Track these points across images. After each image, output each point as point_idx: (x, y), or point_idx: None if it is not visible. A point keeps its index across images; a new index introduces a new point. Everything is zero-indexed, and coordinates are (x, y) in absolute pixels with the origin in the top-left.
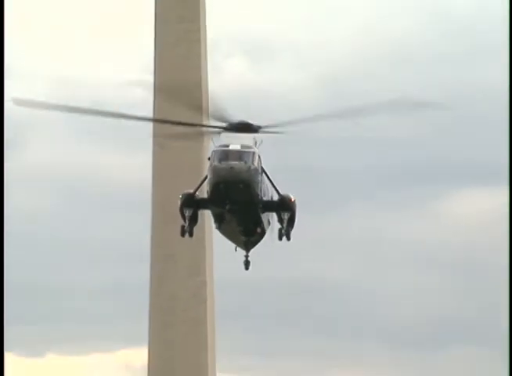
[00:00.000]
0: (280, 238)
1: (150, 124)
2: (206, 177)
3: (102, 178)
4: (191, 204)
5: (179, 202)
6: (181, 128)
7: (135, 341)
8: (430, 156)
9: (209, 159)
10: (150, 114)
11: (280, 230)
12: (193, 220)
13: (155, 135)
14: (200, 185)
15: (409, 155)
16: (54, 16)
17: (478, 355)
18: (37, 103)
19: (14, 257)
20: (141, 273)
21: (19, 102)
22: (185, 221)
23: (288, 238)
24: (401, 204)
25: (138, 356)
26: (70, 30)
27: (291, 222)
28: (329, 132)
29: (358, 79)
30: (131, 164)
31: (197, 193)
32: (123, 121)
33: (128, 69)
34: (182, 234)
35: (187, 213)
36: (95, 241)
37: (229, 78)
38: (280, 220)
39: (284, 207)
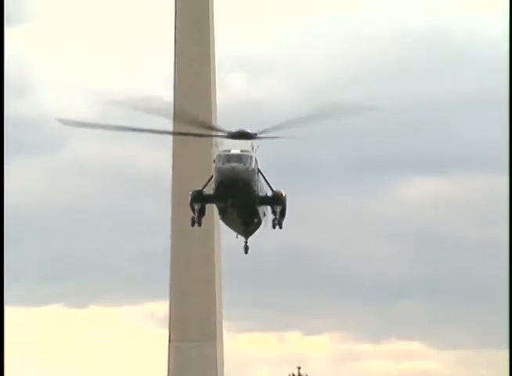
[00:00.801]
0: (274, 227)
1: (171, 126)
2: (212, 176)
3: (134, 168)
4: (199, 199)
5: (189, 198)
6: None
7: (159, 295)
8: (390, 150)
9: (214, 162)
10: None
11: (274, 220)
12: (201, 212)
13: (175, 135)
14: (207, 183)
15: (374, 149)
16: (92, 40)
17: (426, 306)
18: (77, 122)
19: (65, 229)
20: (163, 242)
21: (64, 121)
22: (194, 213)
23: (280, 227)
24: (367, 188)
25: (161, 307)
26: (107, 52)
27: (283, 213)
28: (311, 133)
29: (337, 90)
30: (155, 157)
31: (204, 190)
32: (151, 123)
33: (153, 83)
34: (192, 224)
35: (196, 207)
36: (128, 217)
37: (231, 90)
38: (273, 212)
39: (277, 201)
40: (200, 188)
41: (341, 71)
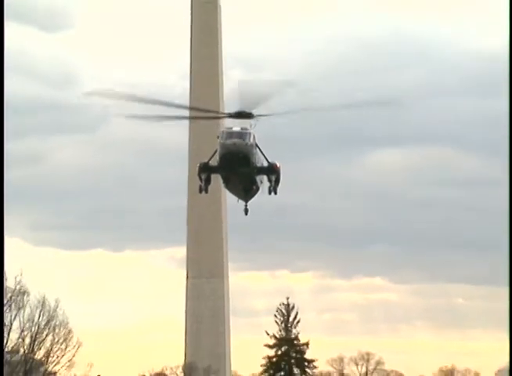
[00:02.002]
0: (270, 193)
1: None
2: (216, 150)
3: (159, 143)
4: (206, 170)
5: (197, 169)
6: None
7: (178, 242)
8: (358, 129)
9: (218, 138)
10: (187, 103)
11: (269, 187)
12: (207, 181)
13: (191, 118)
14: (212, 156)
15: (346, 128)
16: (124, 43)
17: (387, 250)
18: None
19: (105, 190)
20: (181, 201)
21: (91, 93)
22: (201, 182)
23: (275, 193)
24: (340, 158)
25: (180, 252)
26: (137, 53)
27: (277, 181)
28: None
29: (317, 82)
30: (176, 134)
31: (210, 162)
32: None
33: (173, 75)
34: (200, 191)
35: (203, 176)
36: (154, 180)
37: (231, 83)
38: (269, 180)
39: (272, 171)
40: (206, 160)
41: (315, 67)
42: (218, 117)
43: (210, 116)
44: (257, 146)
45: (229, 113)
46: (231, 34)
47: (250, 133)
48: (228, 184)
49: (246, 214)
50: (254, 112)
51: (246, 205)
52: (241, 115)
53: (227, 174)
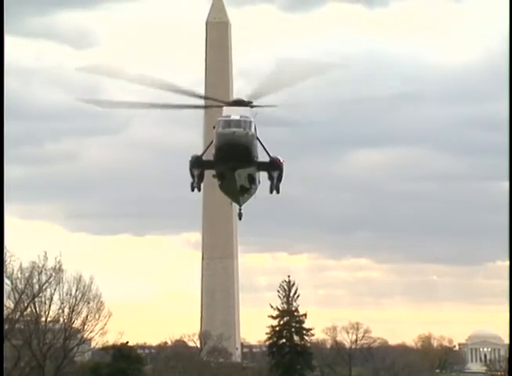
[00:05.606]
0: (271, 191)
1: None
2: (211, 142)
3: (175, 143)
4: (198, 165)
5: (189, 164)
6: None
7: (193, 228)
8: (345, 132)
9: (214, 128)
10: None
11: (271, 185)
12: (200, 178)
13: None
14: (206, 149)
15: (335, 132)
16: (145, 59)
17: (371, 235)
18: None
19: (129, 184)
20: (197, 193)
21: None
22: (193, 179)
23: (278, 191)
24: (330, 157)
25: (194, 236)
26: (154, 65)
27: (280, 178)
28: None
29: (303, 91)
30: (190, 135)
31: (204, 156)
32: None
33: (190, 86)
34: (192, 189)
35: (195, 172)
36: (173, 175)
37: (235, 90)
38: (270, 177)
39: (274, 167)
40: (199, 154)
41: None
42: (216, 106)
43: (208, 105)
44: (257, 138)
45: (228, 102)
46: (237, 50)
47: (250, 122)
48: (224, 182)
49: (240, 219)
50: (253, 101)
51: (240, 209)
52: (240, 103)
53: (224, 168)
